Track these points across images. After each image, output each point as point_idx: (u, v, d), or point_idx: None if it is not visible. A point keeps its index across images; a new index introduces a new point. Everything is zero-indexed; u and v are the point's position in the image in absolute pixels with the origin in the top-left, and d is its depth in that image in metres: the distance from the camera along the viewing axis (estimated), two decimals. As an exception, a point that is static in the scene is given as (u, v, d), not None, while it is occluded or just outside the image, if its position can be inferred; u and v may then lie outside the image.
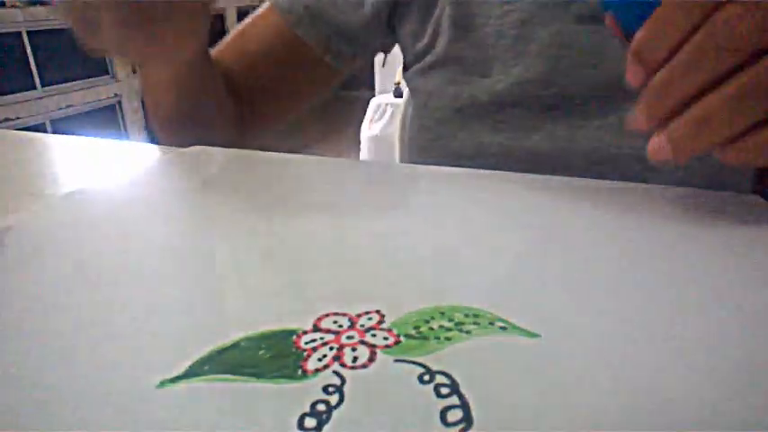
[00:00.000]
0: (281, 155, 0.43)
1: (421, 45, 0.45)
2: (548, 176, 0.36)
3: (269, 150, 0.44)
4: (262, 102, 0.51)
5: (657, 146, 0.25)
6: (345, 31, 0.48)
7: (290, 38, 0.48)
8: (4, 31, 2.35)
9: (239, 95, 0.50)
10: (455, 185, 0.35)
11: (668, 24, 0.24)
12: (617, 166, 0.41)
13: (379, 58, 0.57)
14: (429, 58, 0.45)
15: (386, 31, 0.48)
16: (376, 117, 2.14)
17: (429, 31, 0.44)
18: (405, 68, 0.50)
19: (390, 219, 0.30)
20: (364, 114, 2.19)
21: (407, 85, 0.50)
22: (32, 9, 2.44)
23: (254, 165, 0.40)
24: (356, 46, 0.50)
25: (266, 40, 0.49)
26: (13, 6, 2.39)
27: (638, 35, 0.25)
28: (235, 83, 0.49)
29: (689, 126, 0.24)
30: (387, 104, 2.16)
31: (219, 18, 3.07)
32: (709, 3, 0.23)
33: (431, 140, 0.47)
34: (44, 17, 2.45)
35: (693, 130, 0.24)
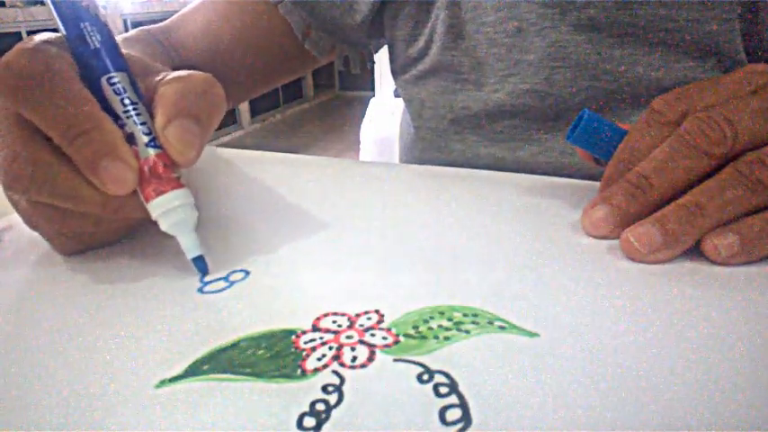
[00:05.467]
0: (281, 155, 0.43)
1: (414, 51, 0.44)
2: (548, 177, 0.36)
3: (269, 150, 0.44)
4: (224, 74, 0.49)
5: (648, 237, 0.25)
6: (329, 24, 0.47)
7: (270, 12, 0.47)
8: (4, 31, 2.35)
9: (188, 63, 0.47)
10: (455, 185, 0.35)
11: (643, 138, 0.27)
12: None
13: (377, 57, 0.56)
14: (422, 66, 0.44)
15: (377, 32, 0.48)
16: (376, 117, 2.14)
17: (423, 36, 0.43)
18: (393, 73, 0.49)
19: (390, 218, 0.30)
20: (364, 114, 2.19)
21: (401, 94, 0.50)
22: (32, 9, 2.44)
23: (254, 165, 0.40)
24: (338, 39, 0.49)
25: (247, 11, 0.47)
26: (13, 6, 2.39)
27: (616, 154, 0.28)
28: (190, 48, 0.48)
29: (682, 212, 0.24)
30: (386, 104, 2.16)
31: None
32: (672, 119, 0.27)
33: (426, 151, 0.47)
34: (44, 17, 2.45)
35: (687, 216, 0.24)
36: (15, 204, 0.26)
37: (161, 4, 3.03)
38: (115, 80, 0.25)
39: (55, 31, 0.26)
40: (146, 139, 0.24)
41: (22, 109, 0.23)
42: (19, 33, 2.42)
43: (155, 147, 0.24)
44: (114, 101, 0.25)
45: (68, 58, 0.25)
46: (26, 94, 0.23)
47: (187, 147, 0.24)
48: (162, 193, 0.24)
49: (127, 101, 0.25)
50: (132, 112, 0.25)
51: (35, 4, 2.46)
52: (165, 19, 0.51)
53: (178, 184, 0.25)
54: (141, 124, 0.24)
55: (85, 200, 0.24)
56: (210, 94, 0.26)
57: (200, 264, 0.25)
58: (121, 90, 0.25)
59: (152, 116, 0.25)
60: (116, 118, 0.24)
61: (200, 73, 0.26)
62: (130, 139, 0.24)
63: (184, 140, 0.24)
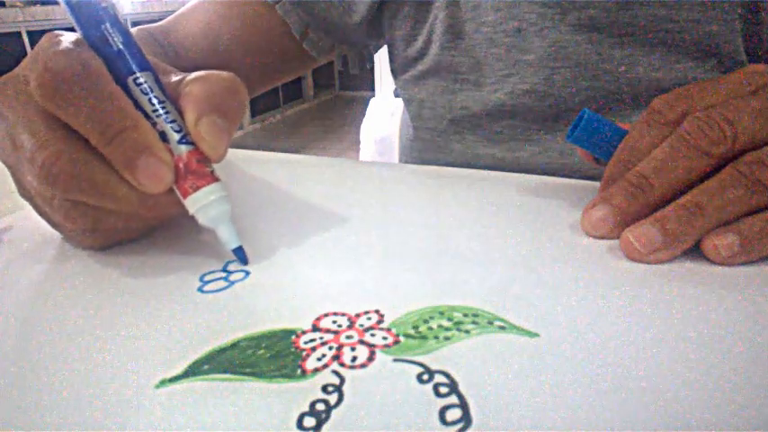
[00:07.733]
0: (281, 155, 0.43)
1: (413, 51, 0.44)
2: (548, 177, 0.36)
3: (269, 150, 0.44)
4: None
5: (648, 237, 0.25)
6: (328, 24, 0.47)
7: (269, 12, 0.47)
8: (4, 31, 2.35)
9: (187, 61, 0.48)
10: (455, 185, 0.35)
11: (643, 138, 0.27)
12: None
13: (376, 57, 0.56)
14: (421, 66, 0.44)
15: (376, 32, 0.48)
16: (376, 117, 2.14)
17: (422, 36, 0.43)
18: (393, 73, 0.49)
19: (390, 218, 0.30)
20: (364, 114, 2.19)
21: (401, 95, 0.50)
22: (32, 9, 2.44)
23: (254, 165, 0.40)
24: (336, 39, 0.49)
25: (246, 11, 0.47)
26: (13, 6, 2.39)
27: (616, 154, 0.28)
28: (188, 47, 0.48)
29: (681, 212, 0.24)
30: (386, 104, 2.16)
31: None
32: (672, 119, 0.27)
33: (425, 151, 0.47)
34: (44, 17, 2.45)
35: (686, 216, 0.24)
36: (44, 203, 0.26)
37: (161, 4, 3.04)
38: (141, 80, 0.25)
39: (60, 30, 0.26)
40: (177, 136, 0.25)
41: (62, 111, 0.23)
42: (19, 33, 2.42)
43: (186, 143, 0.25)
44: (142, 100, 0.25)
45: (99, 59, 0.25)
46: (66, 97, 0.23)
47: (219, 142, 0.25)
48: (199, 188, 0.24)
49: (155, 100, 0.25)
50: (161, 111, 0.25)
51: (35, 4, 2.45)
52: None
53: (213, 178, 0.25)
54: (171, 122, 0.25)
55: (121, 198, 0.24)
56: (235, 91, 0.26)
57: (241, 254, 0.26)
58: (148, 90, 0.25)
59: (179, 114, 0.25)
60: (146, 117, 0.24)
61: (224, 72, 0.27)
62: (162, 137, 0.24)
63: (216, 135, 0.25)
